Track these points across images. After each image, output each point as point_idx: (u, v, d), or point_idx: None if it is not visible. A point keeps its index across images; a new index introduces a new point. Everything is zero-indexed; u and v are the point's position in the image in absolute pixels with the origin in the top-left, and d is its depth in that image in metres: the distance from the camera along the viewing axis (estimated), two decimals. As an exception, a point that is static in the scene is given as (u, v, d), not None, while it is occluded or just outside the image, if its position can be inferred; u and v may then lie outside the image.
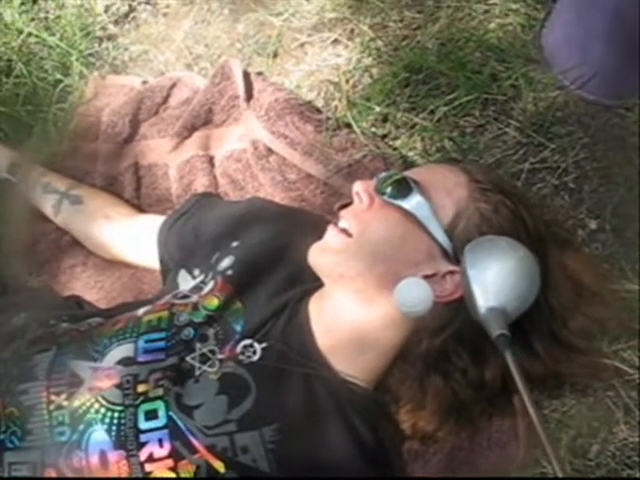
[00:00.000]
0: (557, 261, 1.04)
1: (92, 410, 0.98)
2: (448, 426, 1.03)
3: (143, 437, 0.96)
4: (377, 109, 1.38)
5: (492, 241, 0.96)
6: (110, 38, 1.63)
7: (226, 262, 1.11)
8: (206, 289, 1.09)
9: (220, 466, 0.95)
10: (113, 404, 0.98)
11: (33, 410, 0.99)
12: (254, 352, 1.01)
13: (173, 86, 1.48)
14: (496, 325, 0.87)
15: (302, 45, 1.53)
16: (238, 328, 1.03)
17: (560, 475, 0.74)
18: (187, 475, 0.95)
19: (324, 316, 1.03)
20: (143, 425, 0.96)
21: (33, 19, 1.61)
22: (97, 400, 0.98)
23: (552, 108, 1.36)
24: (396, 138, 1.38)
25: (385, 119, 1.39)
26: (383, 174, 1.05)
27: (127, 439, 0.96)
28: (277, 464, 0.95)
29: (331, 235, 1.03)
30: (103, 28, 1.63)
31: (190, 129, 1.41)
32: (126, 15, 1.65)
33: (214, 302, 1.05)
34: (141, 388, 0.99)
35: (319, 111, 1.39)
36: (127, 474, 0.95)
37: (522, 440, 1.04)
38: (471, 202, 1.00)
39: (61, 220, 1.36)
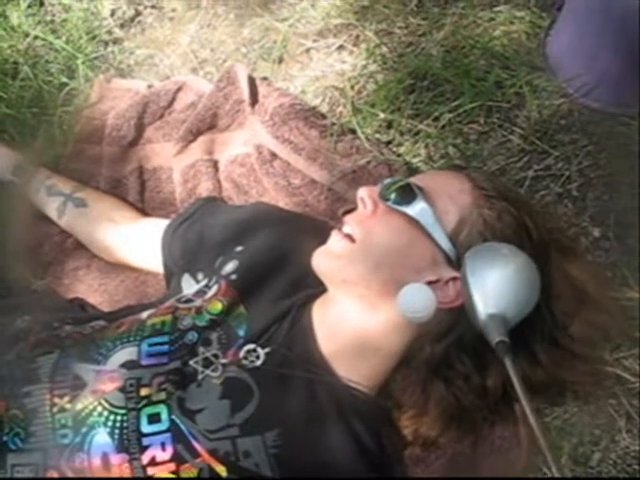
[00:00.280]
0: (560, 269, 1.04)
1: (95, 413, 0.98)
2: (450, 432, 1.02)
3: (146, 440, 0.96)
4: (382, 115, 1.39)
5: (492, 248, 0.96)
6: (116, 42, 1.63)
7: (230, 266, 1.11)
8: (210, 293, 1.09)
9: (222, 470, 0.95)
10: (116, 407, 0.98)
11: (36, 412, 0.99)
12: (257, 357, 1.01)
13: (178, 90, 1.48)
14: (496, 332, 0.87)
15: (307, 51, 1.53)
16: (241, 333, 1.03)
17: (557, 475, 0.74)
18: (189, 479, 0.95)
19: (327, 321, 1.03)
20: (146, 428, 0.96)
21: (39, 22, 1.61)
22: (100, 403, 0.98)
23: (556, 116, 1.37)
24: (400, 144, 1.39)
25: (390, 125, 1.40)
26: (387, 180, 1.05)
27: (130, 442, 0.96)
28: (279, 469, 0.95)
29: (335, 240, 1.03)
30: (109, 32, 1.63)
31: (195, 133, 1.41)
32: (132, 19, 1.66)
33: (218, 306, 1.06)
34: (144, 392, 0.98)
35: (324, 117, 1.40)
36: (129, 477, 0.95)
37: (524, 447, 1.04)
38: (475, 209, 1.00)
39: (65, 223, 1.36)
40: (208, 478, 0.95)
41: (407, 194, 1.01)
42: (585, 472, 1.05)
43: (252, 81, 1.42)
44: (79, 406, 0.99)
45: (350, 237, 1.02)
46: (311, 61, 1.52)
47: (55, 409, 0.99)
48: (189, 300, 1.10)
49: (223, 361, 1.01)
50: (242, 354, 1.01)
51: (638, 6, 1.21)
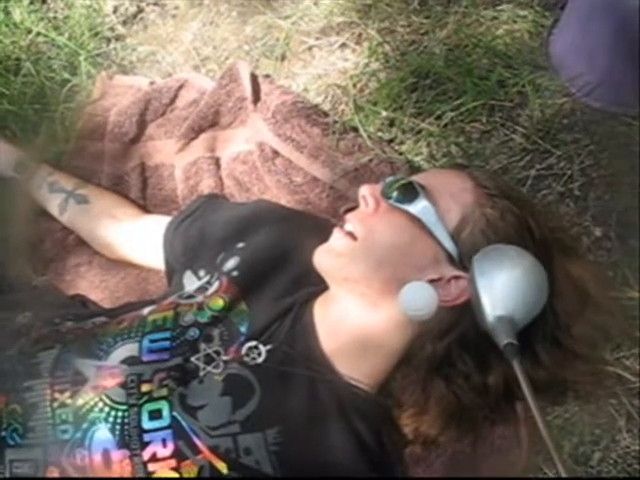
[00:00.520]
0: (562, 268, 1.04)
1: (96, 409, 0.98)
2: (450, 431, 1.02)
3: (147, 437, 0.96)
4: (384, 113, 1.39)
5: (500, 250, 0.96)
6: (118, 38, 1.64)
7: (231, 263, 1.11)
8: (211, 290, 1.09)
9: (223, 467, 0.95)
10: (117, 403, 0.98)
11: (36, 407, 0.99)
12: (259, 354, 1.01)
13: (180, 87, 1.48)
14: (504, 334, 0.87)
15: (310, 48, 1.53)
16: (243, 329, 1.03)
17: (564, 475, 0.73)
18: (190, 475, 0.95)
19: (329, 319, 1.03)
20: (147, 425, 0.96)
21: (42, 19, 1.62)
22: (101, 399, 0.98)
23: (558, 115, 1.37)
24: (402, 143, 1.39)
25: (392, 123, 1.40)
26: (389, 178, 1.05)
27: (131, 438, 0.96)
28: (280, 466, 0.95)
29: (336, 238, 1.03)
30: (111, 28, 1.64)
31: (197, 130, 1.41)
32: (134, 16, 1.66)
33: (219, 303, 1.06)
34: (145, 388, 0.98)
35: (326, 114, 1.40)
36: (130, 473, 0.95)
37: (524, 447, 1.04)
38: (477, 207, 0.99)
39: (67, 219, 1.36)
40: (209, 477, 0.95)
41: (409, 192, 1.01)
42: (585, 471, 1.05)
43: (254, 79, 1.42)
44: (80, 402, 0.99)
45: (352, 235, 1.02)
46: (313, 59, 1.52)
47: (55, 404, 0.99)
48: (190, 296, 1.10)
49: (225, 358, 1.01)
50: (244, 351, 1.01)
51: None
